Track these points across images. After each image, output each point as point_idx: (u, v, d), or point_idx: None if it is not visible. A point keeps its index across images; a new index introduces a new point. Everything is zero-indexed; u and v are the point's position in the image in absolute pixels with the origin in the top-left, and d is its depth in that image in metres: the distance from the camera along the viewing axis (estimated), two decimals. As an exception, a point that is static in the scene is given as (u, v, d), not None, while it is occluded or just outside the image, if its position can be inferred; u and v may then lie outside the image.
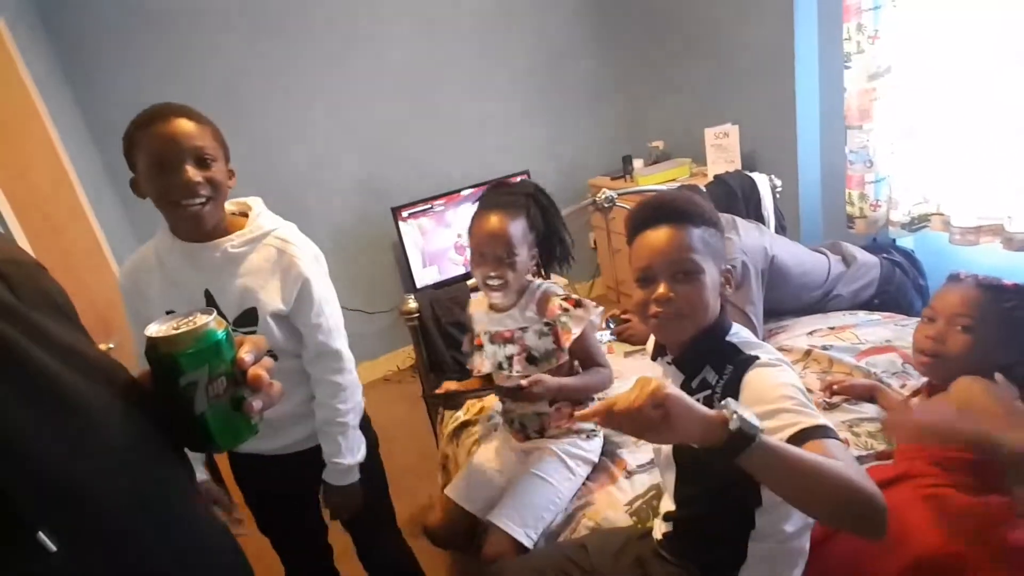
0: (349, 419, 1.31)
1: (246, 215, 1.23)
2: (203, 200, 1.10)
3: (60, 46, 2.53)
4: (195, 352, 0.61)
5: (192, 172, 1.07)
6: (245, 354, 0.63)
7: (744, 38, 2.84)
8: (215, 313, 0.64)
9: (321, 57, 2.98)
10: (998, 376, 1.16)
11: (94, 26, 2.57)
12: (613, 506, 1.43)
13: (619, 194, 2.32)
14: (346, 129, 3.11)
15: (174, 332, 0.61)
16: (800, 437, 0.83)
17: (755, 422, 0.74)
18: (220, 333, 0.63)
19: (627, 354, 2.11)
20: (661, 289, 1.02)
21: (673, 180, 3.01)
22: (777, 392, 0.90)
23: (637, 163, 3.30)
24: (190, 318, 0.63)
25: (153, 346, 0.61)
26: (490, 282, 1.46)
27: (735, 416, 0.73)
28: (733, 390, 0.96)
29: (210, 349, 0.62)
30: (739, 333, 1.06)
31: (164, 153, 1.06)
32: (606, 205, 2.30)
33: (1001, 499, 1.07)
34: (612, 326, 2.24)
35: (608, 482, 1.51)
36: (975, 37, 2.06)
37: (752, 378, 0.95)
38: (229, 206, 1.22)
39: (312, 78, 2.98)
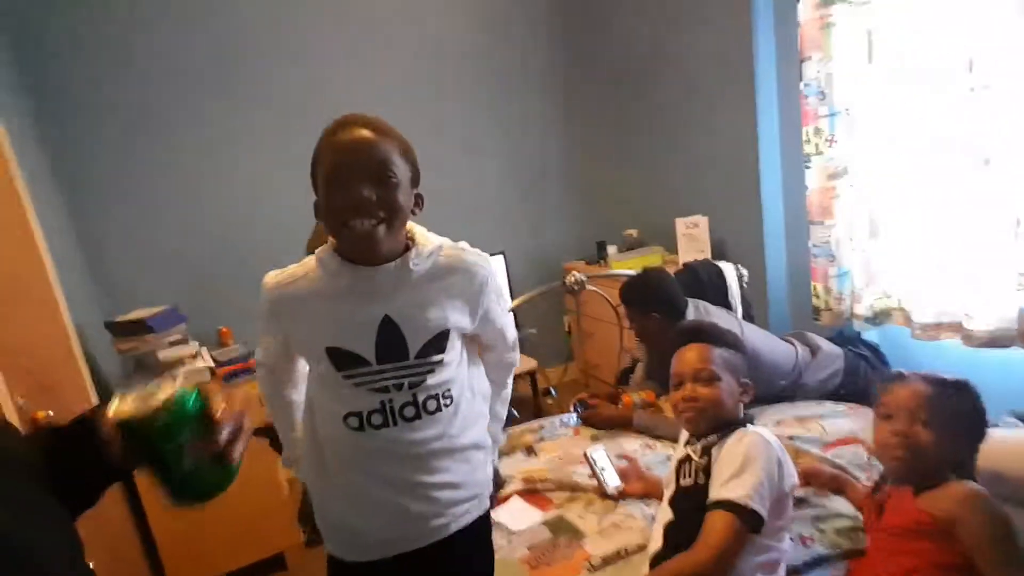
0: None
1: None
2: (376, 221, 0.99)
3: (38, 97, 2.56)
4: (174, 420, 0.66)
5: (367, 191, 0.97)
6: (219, 409, 0.69)
7: (713, 135, 3.00)
8: (178, 376, 0.67)
9: (294, 127, 3.04)
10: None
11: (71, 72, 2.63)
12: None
13: (589, 277, 2.35)
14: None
15: (148, 408, 0.65)
16: (712, 505, 1.22)
17: None
18: (194, 393, 0.68)
19: (594, 437, 2.08)
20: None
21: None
22: (736, 457, 1.25)
23: (611, 249, 3.38)
24: (156, 386, 0.68)
25: (127, 425, 0.65)
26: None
27: None
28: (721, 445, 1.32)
29: (189, 412, 0.67)
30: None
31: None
32: (576, 288, 2.33)
33: None
34: (580, 410, 2.21)
35: (571, 572, 1.44)
36: (929, 140, 2.19)
37: (733, 438, 1.31)
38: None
39: (280, 146, 2.96)
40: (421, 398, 1.04)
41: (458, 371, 1.10)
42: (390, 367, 1.02)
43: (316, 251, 1.07)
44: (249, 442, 0.72)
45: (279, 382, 1.20)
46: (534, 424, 2.26)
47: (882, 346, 2.43)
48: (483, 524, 1.21)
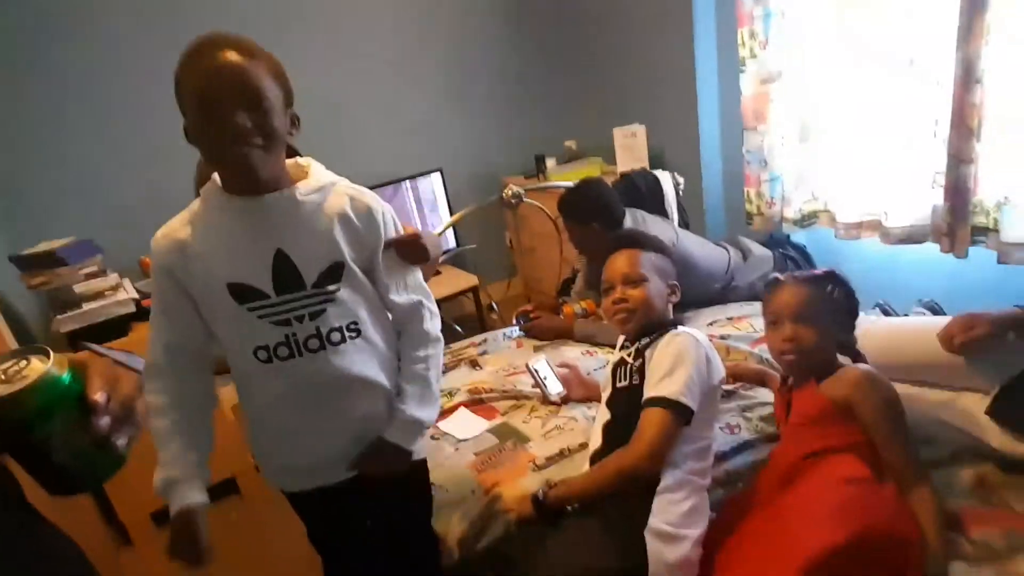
0: (431, 371, 1.17)
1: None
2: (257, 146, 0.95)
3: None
4: (43, 406, 0.55)
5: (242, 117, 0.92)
6: (96, 394, 0.57)
7: (650, 43, 2.94)
8: (49, 353, 0.58)
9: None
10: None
11: None
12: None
13: (527, 190, 2.32)
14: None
15: (12, 390, 0.54)
16: (647, 402, 1.26)
17: (542, 491, 1.29)
18: (66, 375, 0.57)
19: (536, 348, 2.13)
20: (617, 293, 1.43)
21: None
22: (667, 357, 1.29)
23: (550, 162, 3.34)
24: (20, 364, 0.56)
25: None
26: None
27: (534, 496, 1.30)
28: (653, 347, 1.34)
29: (59, 397, 0.56)
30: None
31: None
32: (513, 202, 2.30)
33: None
34: (522, 323, 2.25)
35: (517, 474, 1.50)
36: (857, 45, 2.22)
37: (664, 339, 1.33)
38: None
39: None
40: (324, 330, 1.05)
41: (366, 310, 1.10)
42: (289, 298, 1.02)
43: (200, 191, 1.04)
44: (141, 430, 0.62)
45: (182, 382, 1.05)
46: (477, 338, 2.29)
47: (809, 247, 2.54)
48: (413, 469, 1.23)
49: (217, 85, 0.91)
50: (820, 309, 1.29)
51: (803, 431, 1.28)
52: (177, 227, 1.03)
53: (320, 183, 1.05)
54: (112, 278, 2.23)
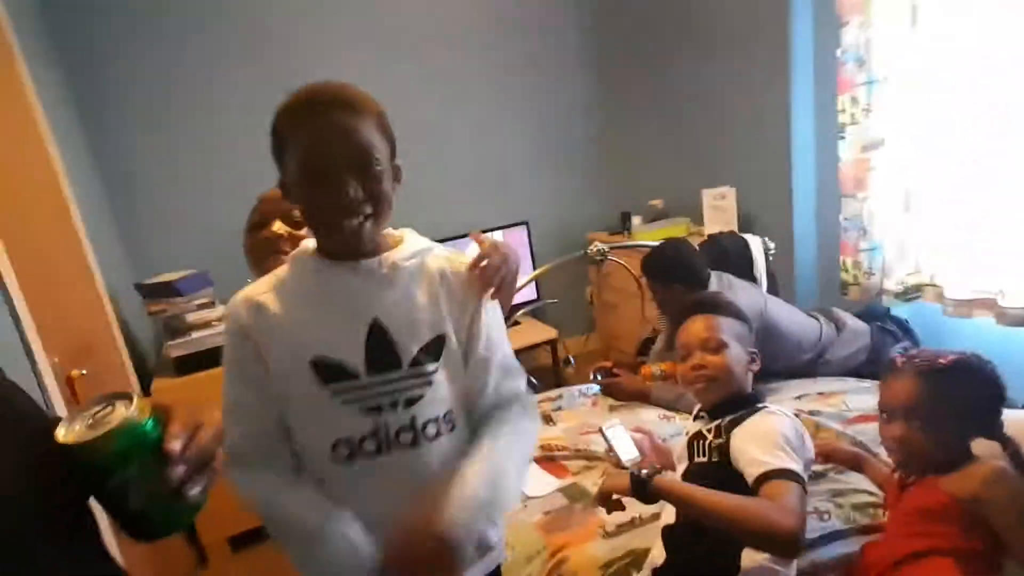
0: (518, 468, 0.97)
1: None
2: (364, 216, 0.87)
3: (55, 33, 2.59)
4: (121, 452, 0.56)
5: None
6: (173, 443, 0.57)
7: (743, 104, 2.92)
8: (134, 398, 0.59)
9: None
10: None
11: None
12: (589, 568, 1.38)
13: (612, 247, 2.33)
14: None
15: (94, 435, 0.55)
16: (763, 478, 1.10)
17: (645, 474, 1.14)
18: (146, 422, 0.58)
19: (612, 408, 2.09)
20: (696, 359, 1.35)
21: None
22: (766, 433, 1.18)
23: (636, 220, 3.34)
24: (106, 410, 0.58)
25: (68, 453, 0.55)
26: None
27: (636, 472, 1.15)
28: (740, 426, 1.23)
29: (137, 444, 0.57)
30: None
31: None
32: (598, 258, 2.31)
33: None
34: (600, 377, 2.22)
35: (585, 538, 1.47)
36: (966, 111, 2.11)
37: (755, 418, 1.24)
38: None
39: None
40: (420, 421, 0.90)
41: (460, 400, 0.96)
42: (382, 379, 0.89)
43: (290, 254, 0.96)
44: (217, 476, 0.61)
45: (270, 468, 0.90)
46: (553, 393, 2.28)
47: (913, 322, 2.38)
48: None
49: (328, 151, 0.83)
50: (939, 409, 1.14)
51: (912, 523, 1.17)
52: (258, 291, 0.92)
53: (417, 248, 0.96)
54: (219, 310, 2.41)
